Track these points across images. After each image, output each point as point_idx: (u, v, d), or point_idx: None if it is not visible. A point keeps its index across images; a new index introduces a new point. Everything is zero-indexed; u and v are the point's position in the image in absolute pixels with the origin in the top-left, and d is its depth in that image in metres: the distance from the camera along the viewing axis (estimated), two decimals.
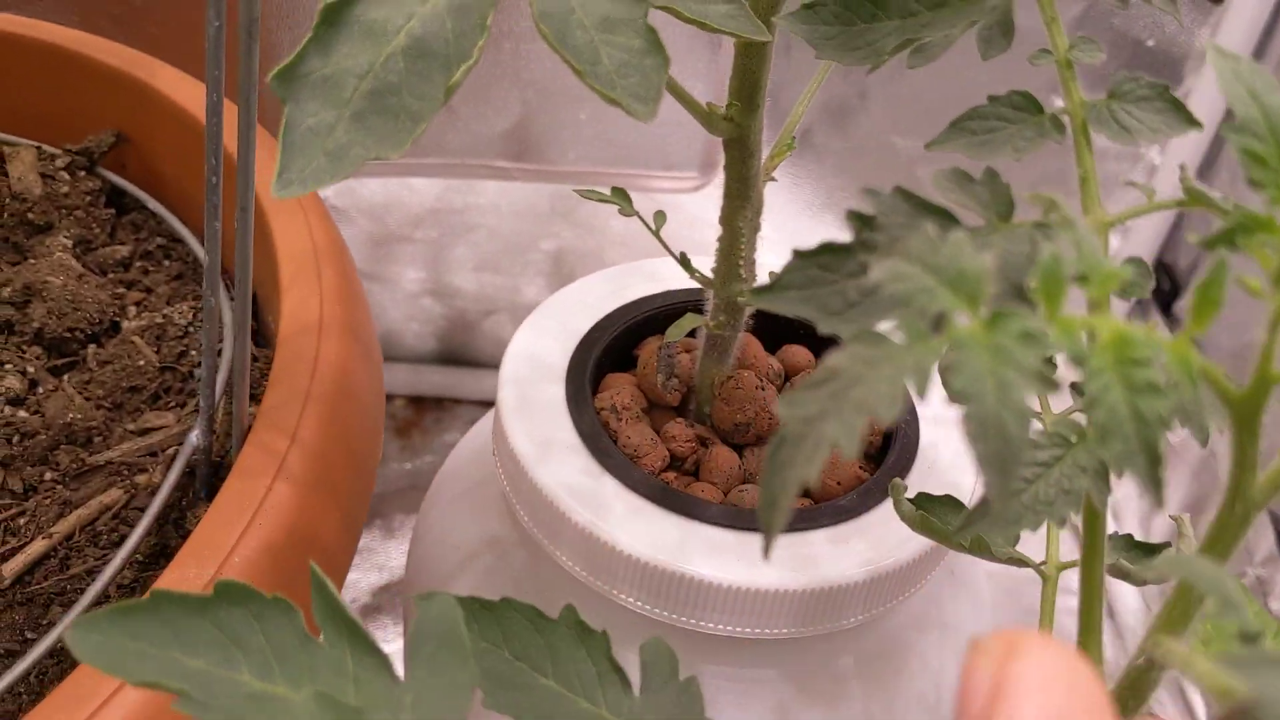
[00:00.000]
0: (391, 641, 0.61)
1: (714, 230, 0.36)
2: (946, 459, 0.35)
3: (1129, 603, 0.66)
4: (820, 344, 0.39)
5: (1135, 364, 0.14)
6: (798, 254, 0.19)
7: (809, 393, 0.16)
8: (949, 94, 0.65)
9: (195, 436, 0.33)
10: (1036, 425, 0.19)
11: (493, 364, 0.75)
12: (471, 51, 0.20)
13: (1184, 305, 0.65)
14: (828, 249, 0.18)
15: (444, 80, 0.20)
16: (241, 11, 0.23)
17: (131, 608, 0.18)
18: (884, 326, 0.16)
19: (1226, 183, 0.64)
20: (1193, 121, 0.21)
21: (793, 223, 0.68)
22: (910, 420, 0.36)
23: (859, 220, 0.18)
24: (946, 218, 0.18)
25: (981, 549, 0.28)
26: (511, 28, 0.58)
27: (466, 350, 0.74)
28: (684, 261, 0.35)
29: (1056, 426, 0.19)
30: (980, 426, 0.14)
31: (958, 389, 0.14)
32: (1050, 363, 0.14)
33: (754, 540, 0.32)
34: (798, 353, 0.39)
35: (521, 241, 0.69)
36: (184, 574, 0.27)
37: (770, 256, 0.33)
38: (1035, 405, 0.17)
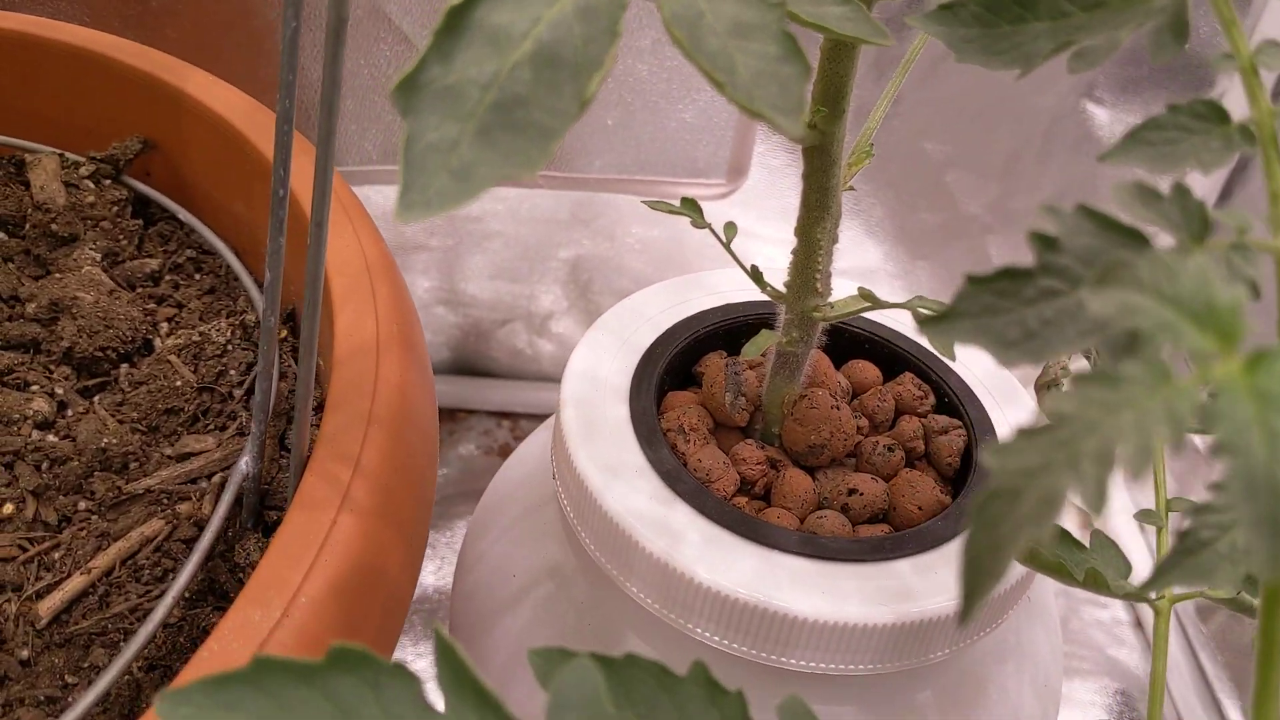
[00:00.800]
0: (411, 662, 0.59)
1: (744, 238, 0.35)
2: None
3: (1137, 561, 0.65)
4: (886, 361, 0.38)
5: None
6: (972, 280, 0.17)
7: (1027, 441, 0.14)
8: (979, 97, 0.64)
9: (245, 463, 0.31)
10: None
11: (507, 374, 0.73)
12: (604, 59, 0.18)
13: None
14: (1005, 274, 0.17)
15: (575, 92, 0.18)
16: (330, 12, 0.21)
17: (228, 678, 0.16)
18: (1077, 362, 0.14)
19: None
20: None
21: None
22: (990, 439, 0.34)
23: (1042, 242, 0.17)
24: (1137, 239, 0.17)
25: (1099, 585, 0.26)
26: None
27: (480, 360, 0.72)
28: (756, 276, 0.34)
29: None
30: (1248, 485, 0.12)
31: (1220, 441, 0.12)
32: None
33: (836, 570, 0.30)
34: (865, 368, 0.37)
35: (539, 249, 0.67)
36: (247, 618, 0.25)
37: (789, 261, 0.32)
38: None
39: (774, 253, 0.65)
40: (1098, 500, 0.13)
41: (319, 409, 0.33)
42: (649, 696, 0.19)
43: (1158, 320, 0.13)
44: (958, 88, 0.61)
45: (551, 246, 0.67)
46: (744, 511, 0.31)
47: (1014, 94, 0.62)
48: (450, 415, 0.71)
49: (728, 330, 0.37)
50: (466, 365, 0.72)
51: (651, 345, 0.36)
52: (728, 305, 0.38)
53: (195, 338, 0.36)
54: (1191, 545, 0.17)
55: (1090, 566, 0.26)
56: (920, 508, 0.33)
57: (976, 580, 0.14)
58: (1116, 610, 0.65)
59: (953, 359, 0.31)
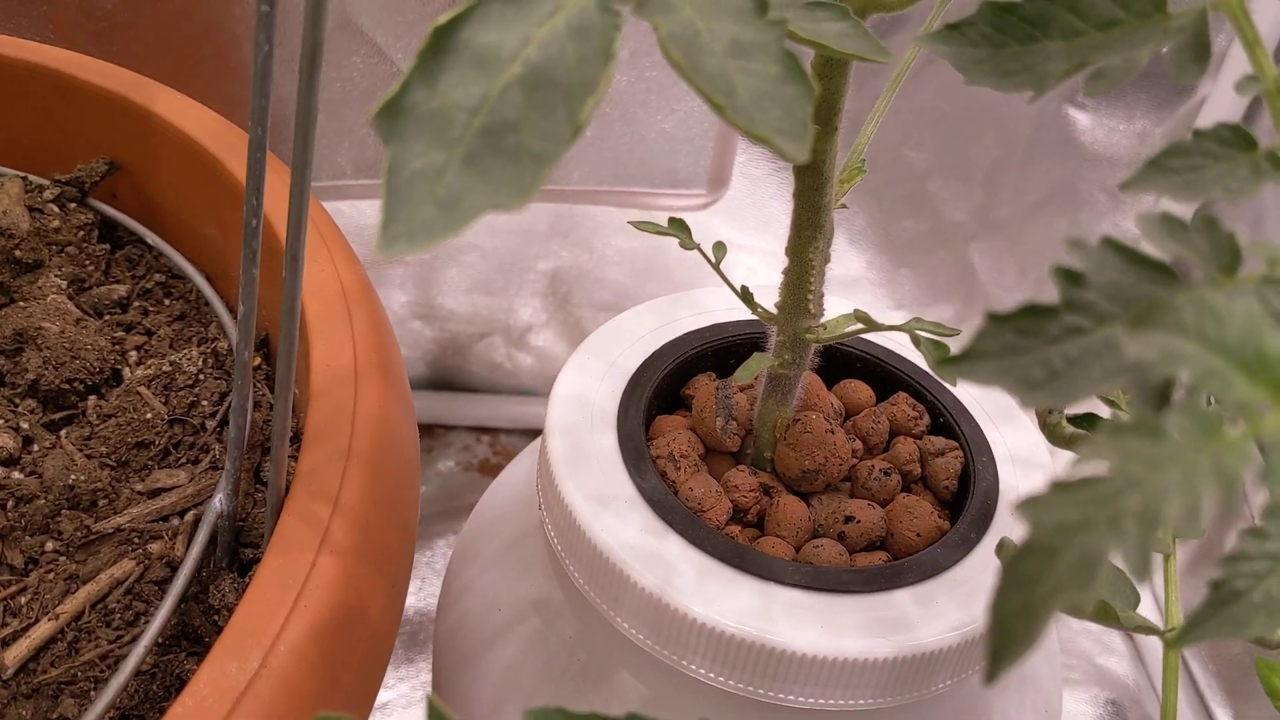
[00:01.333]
0: (392, 686, 0.58)
1: (727, 249, 0.34)
2: None
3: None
4: (879, 381, 0.37)
5: None
6: (993, 318, 0.16)
7: (1063, 495, 0.13)
8: (960, 104, 0.64)
9: (220, 501, 0.30)
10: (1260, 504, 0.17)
11: (485, 388, 0.72)
12: (598, 81, 0.17)
13: None
14: (1029, 311, 0.16)
15: (569, 115, 0.17)
16: (305, 35, 0.20)
17: None
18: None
19: None
20: None
21: None
22: (987, 461, 0.33)
23: (1067, 277, 0.16)
24: (1167, 274, 0.16)
25: (1109, 617, 0.25)
26: None
27: (458, 375, 0.71)
28: (746, 296, 0.33)
29: None
30: None
31: (1277, 499, 0.12)
32: None
33: (834, 602, 0.29)
34: (858, 388, 0.36)
35: (517, 262, 0.66)
36: (224, 670, 0.24)
37: (775, 275, 0.31)
38: None
39: (756, 263, 0.64)
40: (1142, 565, 0.12)
41: (295, 440, 0.31)
42: None
43: (1204, 368, 0.12)
44: (938, 95, 0.61)
45: (529, 259, 0.66)
46: (738, 542, 0.30)
47: (996, 100, 0.61)
48: (429, 431, 0.70)
49: (716, 351, 0.36)
50: (444, 380, 0.71)
51: (639, 368, 0.35)
52: (717, 325, 0.37)
53: (166, 367, 0.35)
54: (1225, 596, 0.16)
55: (1101, 600, 0.25)
56: (919, 534, 0.32)
57: (1006, 644, 0.13)
58: None
59: (954, 384, 0.30)
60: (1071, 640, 0.63)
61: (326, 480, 0.28)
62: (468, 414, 0.70)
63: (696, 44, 0.19)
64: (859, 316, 0.30)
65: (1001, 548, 0.26)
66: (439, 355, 0.70)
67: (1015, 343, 0.16)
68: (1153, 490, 0.12)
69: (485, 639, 0.34)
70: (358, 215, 0.62)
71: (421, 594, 0.61)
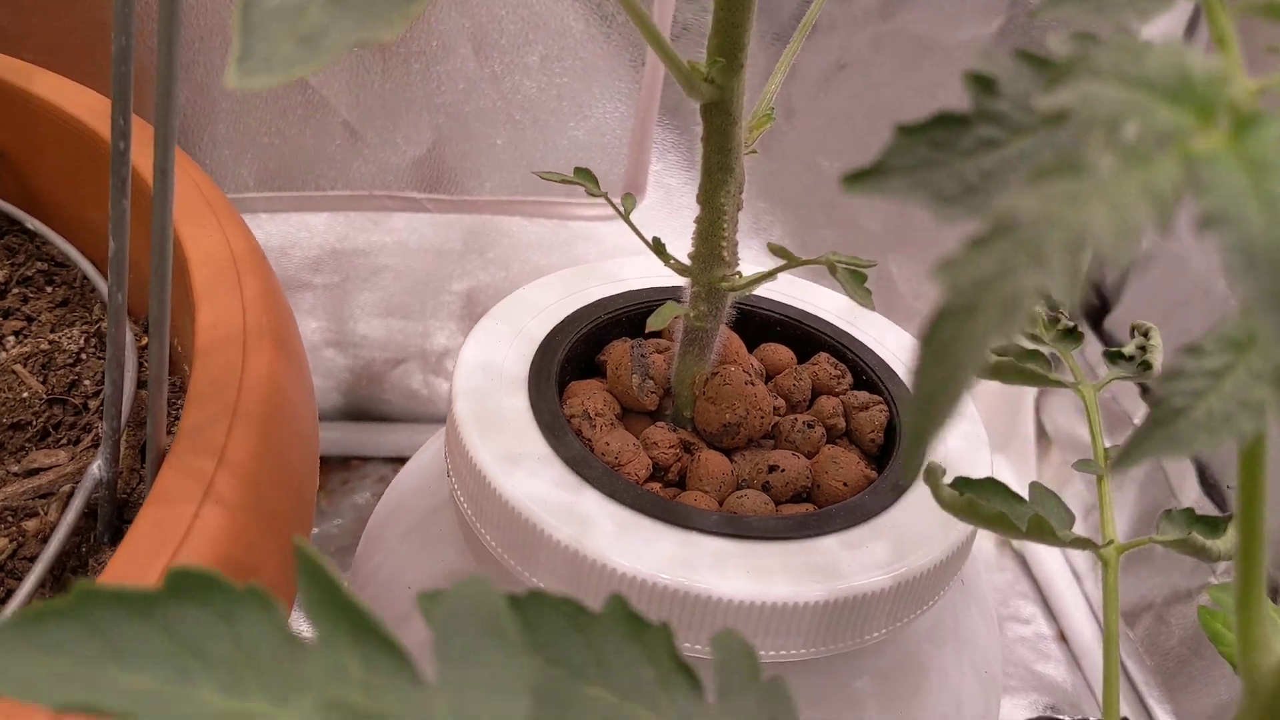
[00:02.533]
0: None
1: (640, 259, 0.33)
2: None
3: (1055, 572, 0.64)
4: (799, 344, 0.36)
5: None
6: (902, 130, 0.15)
7: (979, 250, 0.12)
8: (873, 110, 0.64)
9: (97, 468, 0.28)
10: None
11: (403, 417, 0.70)
12: None
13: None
14: (940, 121, 0.15)
15: None
16: (160, 26, 0.19)
17: (47, 612, 0.13)
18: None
19: None
20: None
21: None
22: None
23: (978, 84, 0.15)
24: None
25: (1044, 532, 0.24)
26: (422, 47, 0.54)
27: (374, 404, 0.69)
28: (658, 248, 0.32)
29: (1223, 328, 0.15)
30: (1248, 257, 0.10)
31: (1212, 213, 0.11)
32: None
33: (760, 550, 0.28)
34: (778, 350, 0.35)
35: (431, 282, 0.65)
36: None
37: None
38: None
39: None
40: (1073, 289, 0.11)
41: (180, 396, 0.29)
42: (560, 635, 0.16)
43: (1126, 104, 0.12)
44: (850, 101, 0.61)
45: (444, 279, 0.64)
46: (658, 495, 0.29)
47: (909, 106, 0.62)
48: (344, 464, 0.67)
49: (630, 318, 0.35)
50: (360, 410, 0.69)
51: (550, 333, 0.33)
52: (630, 292, 0.36)
53: (44, 345, 0.32)
54: (1165, 415, 0.15)
55: (1034, 514, 0.24)
56: (845, 484, 0.31)
57: (928, 418, 0.12)
58: (1040, 625, 0.64)
59: (871, 308, 0.29)
60: (1007, 648, 0.62)
61: (211, 436, 0.26)
62: (384, 444, 0.68)
63: None
64: (776, 250, 0.29)
65: (930, 473, 0.25)
66: (353, 384, 0.68)
67: (928, 156, 0.15)
68: (1079, 223, 0.11)
69: (396, 617, 0.32)
70: (264, 237, 0.60)
71: None
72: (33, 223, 0.36)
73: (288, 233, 0.61)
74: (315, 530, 0.64)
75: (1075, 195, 0.11)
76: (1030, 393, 0.67)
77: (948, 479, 0.26)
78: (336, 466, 0.67)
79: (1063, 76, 0.12)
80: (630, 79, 0.57)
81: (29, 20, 0.49)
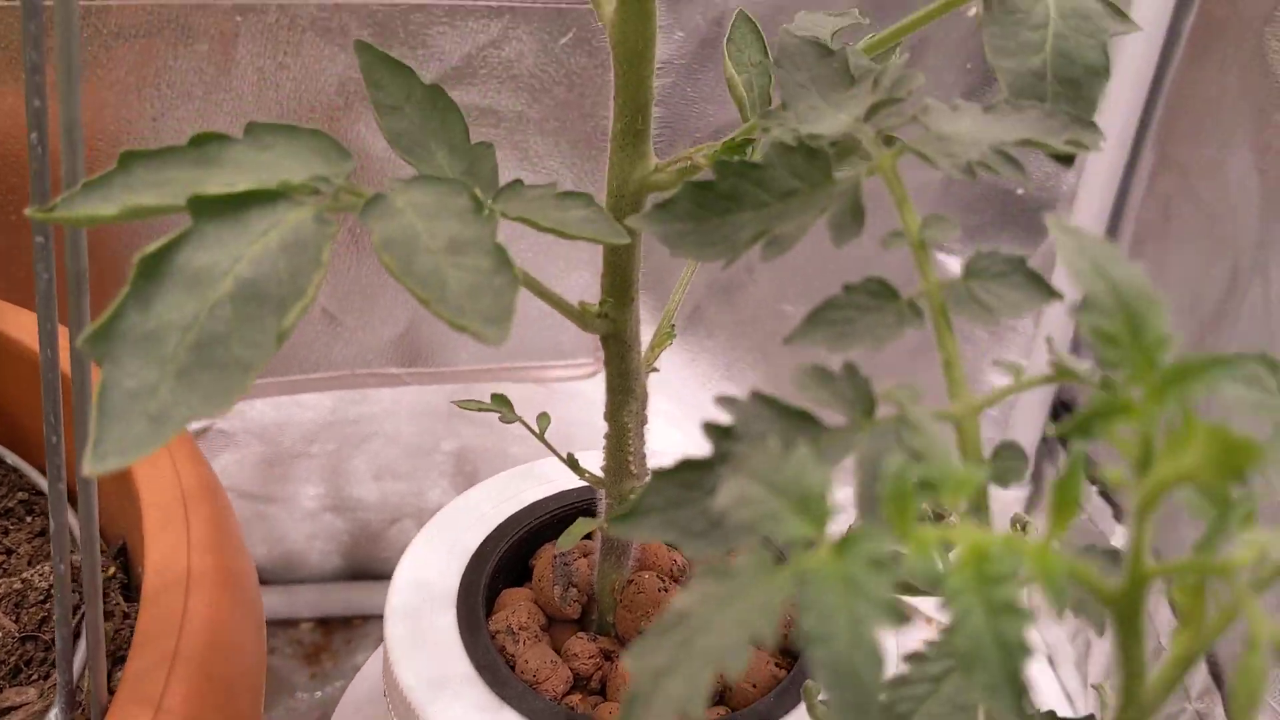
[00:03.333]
0: None
1: (549, 420, 0.35)
2: None
3: None
4: None
5: (995, 582, 0.13)
6: (657, 475, 0.17)
7: (658, 640, 0.14)
8: (834, 259, 0.66)
9: (55, 715, 0.30)
10: (924, 636, 0.18)
11: None
12: (306, 289, 0.19)
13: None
14: (687, 466, 0.17)
15: (276, 323, 0.18)
16: (69, 260, 0.22)
17: None
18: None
19: None
20: (1052, 293, 0.20)
21: (693, 397, 0.67)
22: None
23: (716, 432, 0.17)
24: (808, 421, 0.17)
25: None
26: None
27: (373, 563, 0.71)
28: (572, 463, 0.34)
29: (945, 636, 0.17)
30: (834, 674, 0.13)
31: (807, 630, 0.13)
32: (907, 587, 0.13)
33: None
34: None
35: (422, 444, 0.67)
36: None
37: (675, 433, 0.32)
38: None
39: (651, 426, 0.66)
40: (696, 705, 0.13)
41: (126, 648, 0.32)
42: None
43: (766, 509, 0.14)
44: (811, 251, 0.63)
45: (433, 440, 0.67)
46: (573, 711, 0.31)
47: (867, 253, 0.64)
48: (346, 624, 0.70)
49: (561, 519, 0.37)
50: (359, 569, 0.71)
51: (481, 544, 0.36)
52: (562, 493, 0.38)
53: (17, 585, 0.35)
54: None
55: None
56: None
57: None
58: None
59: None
60: None
61: (150, 685, 0.28)
62: (384, 602, 0.70)
63: (415, 245, 0.21)
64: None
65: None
66: (352, 545, 0.70)
67: (678, 496, 0.17)
68: (717, 631, 0.13)
69: None
70: (256, 414, 0.64)
71: None
72: (12, 458, 0.39)
73: (283, 410, 0.64)
74: (319, 693, 0.66)
75: (720, 599, 0.13)
76: None
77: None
78: (339, 627, 0.69)
79: (736, 469, 0.15)
80: (592, 249, 0.60)
81: None
